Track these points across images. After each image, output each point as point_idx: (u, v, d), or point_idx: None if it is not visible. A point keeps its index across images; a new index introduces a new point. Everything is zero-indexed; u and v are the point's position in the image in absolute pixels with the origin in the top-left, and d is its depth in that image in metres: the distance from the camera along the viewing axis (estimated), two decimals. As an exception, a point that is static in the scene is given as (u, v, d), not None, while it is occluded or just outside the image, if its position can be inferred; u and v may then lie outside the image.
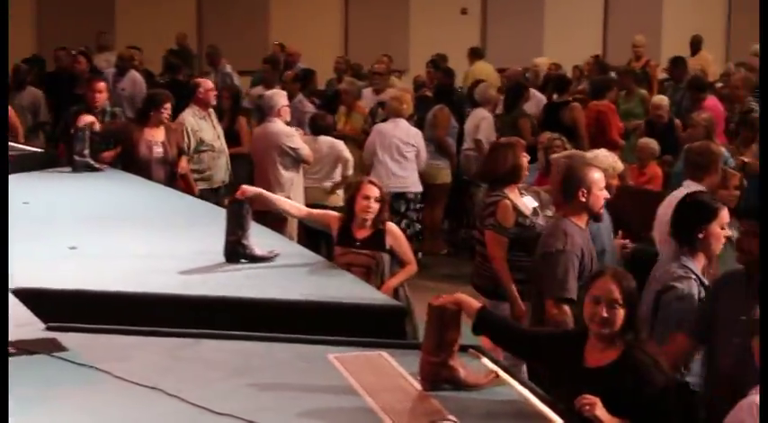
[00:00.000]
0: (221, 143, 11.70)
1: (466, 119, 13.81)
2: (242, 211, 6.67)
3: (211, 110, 11.81)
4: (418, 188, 12.06)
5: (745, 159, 9.92)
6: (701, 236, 5.90)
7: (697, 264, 5.94)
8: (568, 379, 4.79)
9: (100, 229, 7.50)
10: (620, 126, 13.47)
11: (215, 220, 7.20)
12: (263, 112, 12.50)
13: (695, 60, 17.53)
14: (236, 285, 6.18)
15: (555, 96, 14.41)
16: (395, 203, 11.15)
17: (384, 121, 12.57)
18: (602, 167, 7.49)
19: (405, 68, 19.12)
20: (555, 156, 7.86)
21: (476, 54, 18.79)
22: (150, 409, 4.42)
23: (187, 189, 10.77)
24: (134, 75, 15.55)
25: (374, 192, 7.21)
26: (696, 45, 18.34)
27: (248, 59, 17.73)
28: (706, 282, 5.93)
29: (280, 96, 11.33)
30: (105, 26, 19.49)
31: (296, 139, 10.84)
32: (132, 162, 10.48)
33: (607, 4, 23.81)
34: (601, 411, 4.45)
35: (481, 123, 13.11)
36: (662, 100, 13.70)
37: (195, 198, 9.80)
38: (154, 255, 6.87)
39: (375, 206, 7.17)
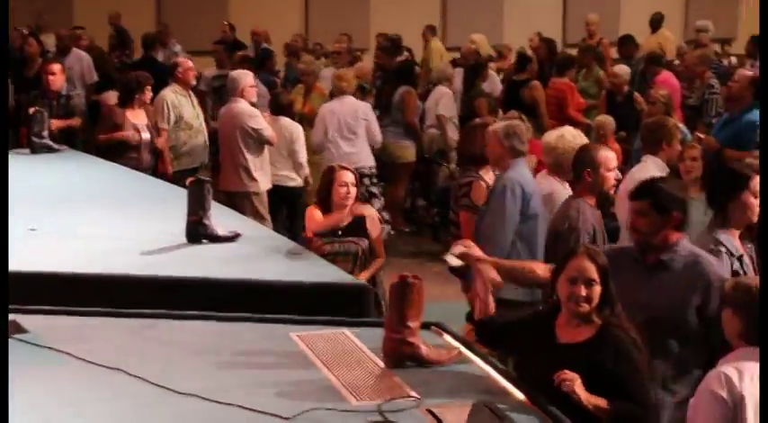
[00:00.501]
0: (200, 123, 11.74)
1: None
2: (203, 191, 6.63)
3: (191, 91, 11.85)
4: (371, 162, 11.96)
5: (701, 135, 10.09)
6: (732, 205, 5.85)
7: (730, 236, 5.88)
8: (543, 356, 4.75)
9: (60, 210, 7.47)
10: (580, 103, 13.63)
11: (176, 200, 7.17)
12: (219, 93, 12.59)
13: (655, 38, 17.67)
14: (198, 265, 6.16)
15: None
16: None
17: None
18: (567, 146, 7.58)
19: (365, 47, 19.03)
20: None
21: (432, 32, 18.85)
22: (113, 390, 4.42)
23: (161, 167, 10.87)
24: (78, 52, 15.36)
25: (350, 177, 7.14)
26: (656, 23, 18.37)
27: (207, 40, 17.62)
28: (739, 252, 5.84)
29: (244, 76, 11.23)
30: (63, 6, 19.38)
31: (259, 119, 10.77)
32: (119, 146, 10.55)
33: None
34: (579, 388, 4.46)
35: (441, 100, 13.26)
36: (621, 69, 13.89)
37: (155, 179, 9.75)
38: (115, 235, 6.84)
39: (353, 191, 7.13)
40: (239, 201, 10.69)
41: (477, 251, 5.32)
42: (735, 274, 5.64)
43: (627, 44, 16.10)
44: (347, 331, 5.22)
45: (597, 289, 4.70)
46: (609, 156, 6.87)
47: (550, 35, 18.68)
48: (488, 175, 7.83)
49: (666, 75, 13.67)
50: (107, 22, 18.41)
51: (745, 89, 10.13)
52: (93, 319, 5.28)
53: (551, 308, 4.95)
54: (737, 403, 4.58)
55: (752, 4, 21.69)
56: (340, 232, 7.07)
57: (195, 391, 4.35)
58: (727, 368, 4.62)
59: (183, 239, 6.63)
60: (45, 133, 9.91)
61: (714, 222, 5.98)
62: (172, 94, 11.49)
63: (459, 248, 5.28)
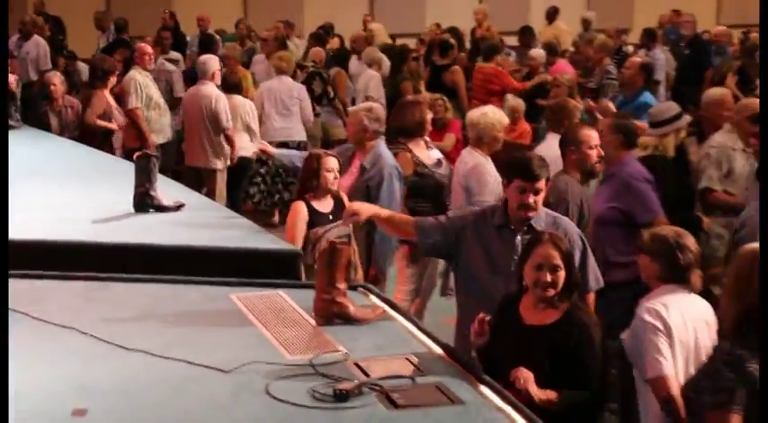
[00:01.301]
0: (163, 102, 11.81)
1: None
2: (149, 164, 6.57)
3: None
4: (302, 137, 12.00)
5: (592, 103, 10.44)
6: None
7: None
8: (509, 337, 4.68)
9: (17, 184, 7.35)
10: (511, 82, 13.76)
11: (125, 173, 7.09)
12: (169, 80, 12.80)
13: (550, 29, 17.98)
14: (145, 233, 6.12)
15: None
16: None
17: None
18: (488, 122, 7.65)
19: (300, 34, 18.91)
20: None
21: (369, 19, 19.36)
22: (66, 347, 4.42)
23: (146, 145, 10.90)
24: (37, 39, 15.19)
25: (335, 163, 6.78)
26: (551, 15, 18.77)
27: (150, 26, 17.50)
28: None
29: (214, 61, 11.26)
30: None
31: (224, 103, 10.77)
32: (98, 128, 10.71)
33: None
34: (533, 387, 4.44)
35: (370, 82, 13.42)
36: (537, 52, 14.36)
37: (106, 154, 9.66)
38: (67, 206, 6.77)
39: (338, 176, 6.79)
40: (204, 175, 10.82)
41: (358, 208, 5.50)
42: None
43: (526, 34, 16.45)
44: (282, 293, 5.24)
45: (562, 274, 4.64)
46: (591, 134, 6.93)
47: (469, 23, 18.86)
48: (417, 148, 7.85)
49: (562, 63, 14.10)
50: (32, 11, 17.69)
51: (637, 74, 10.44)
52: (47, 281, 5.26)
53: (515, 292, 4.86)
54: (668, 333, 4.77)
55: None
56: (331, 217, 6.67)
57: (142, 347, 4.36)
58: (654, 303, 4.86)
59: (131, 209, 6.57)
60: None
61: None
62: (139, 75, 11.52)
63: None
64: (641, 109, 9.36)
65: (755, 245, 4.61)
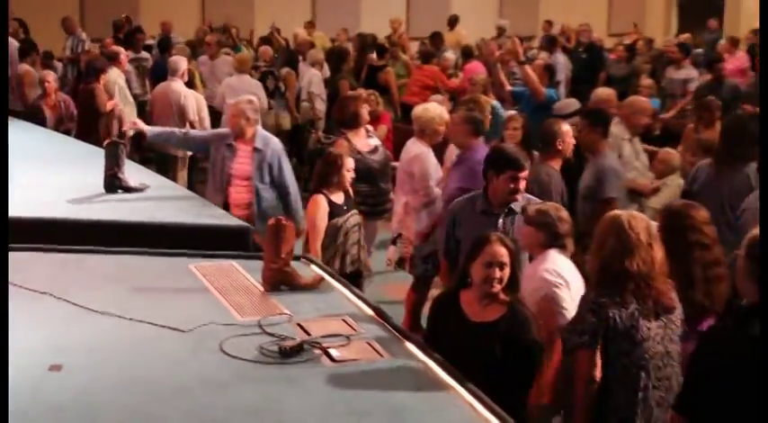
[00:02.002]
0: (132, 98, 11.97)
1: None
2: (118, 151, 6.56)
3: None
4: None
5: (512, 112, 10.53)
6: None
7: None
8: (457, 334, 4.58)
9: None
10: (446, 80, 14.06)
11: (98, 159, 6.99)
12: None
13: (453, 35, 18.17)
14: (114, 211, 6.11)
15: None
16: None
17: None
18: (430, 117, 7.71)
19: (249, 38, 18.46)
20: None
21: (312, 25, 19.08)
22: (42, 311, 4.42)
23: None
24: (11, 40, 14.63)
25: (352, 163, 6.77)
26: (453, 23, 18.96)
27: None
28: None
29: (183, 61, 11.33)
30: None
31: (190, 100, 10.85)
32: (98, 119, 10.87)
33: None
34: None
35: (313, 80, 13.41)
36: (449, 55, 14.83)
37: (80, 141, 9.56)
38: (42, 186, 6.71)
39: (354, 175, 6.79)
40: (170, 162, 10.90)
41: None
42: None
43: (435, 39, 16.75)
44: (234, 263, 5.24)
45: (507, 271, 4.55)
46: (567, 129, 7.09)
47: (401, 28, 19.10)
48: (356, 137, 7.95)
49: (475, 63, 14.28)
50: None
51: (542, 75, 10.63)
52: (26, 253, 5.20)
53: (453, 289, 4.79)
54: (568, 287, 4.99)
55: (548, 8, 22.51)
56: (345, 207, 6.67)
57: (111, 311, 4.37)
58: (547, 265, 5.05)
59: (102, 190, 6.55)
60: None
61: None
62: (116, 75, 11.63)
63: None
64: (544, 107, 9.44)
65: (616, 212, 4.71)
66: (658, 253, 4.47)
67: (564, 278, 5.01)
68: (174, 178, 10.31)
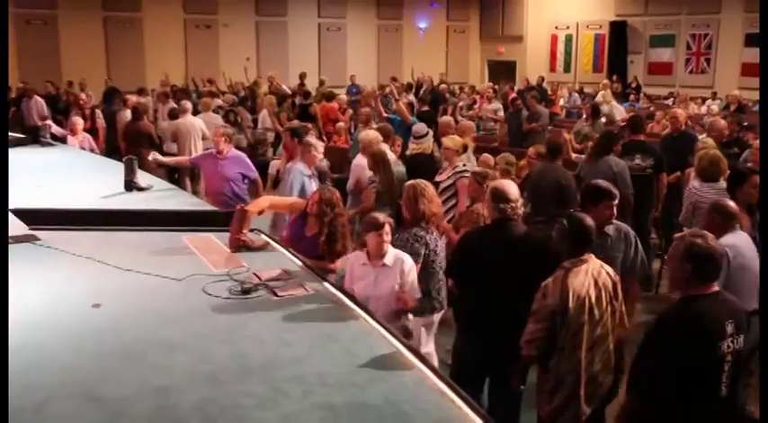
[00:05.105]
0: None
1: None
2: (132, 164, 6.45)
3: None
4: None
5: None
6: None
7: None
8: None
9: (47, 178, 7.04)
10: (338, 114, 13.77)
11: (118, 170, 6.90)
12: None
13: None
14: (131, 203, 6.00)
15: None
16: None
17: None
18: (368, 139, 7.56)
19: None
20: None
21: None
22: (89, 271, 4.32)
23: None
24: (36, 98, 14.21)
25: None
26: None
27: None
28: None
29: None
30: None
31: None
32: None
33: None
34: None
35: (264, 115, 13.39)
36: (343, 97, 14.63)
37: (103, 157, 9.32)
38: (84, 188, 6.55)
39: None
40: (180, 171, 11.07)
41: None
42: None
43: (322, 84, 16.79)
44: (212, 235, 5.16)
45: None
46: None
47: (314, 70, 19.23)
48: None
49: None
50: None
51: (407, 109, 10.59)
52: (76, 232, 5.08)
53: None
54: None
55: (409, 61, 22.08)
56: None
57: (133, 267, 4.30)
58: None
59: (123, 189, 6.44)
60: (47, 135, 9.46)
61: None
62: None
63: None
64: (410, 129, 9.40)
65: (417, 181, 4.67)
66: None
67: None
68: (182, 182, 10.47)
